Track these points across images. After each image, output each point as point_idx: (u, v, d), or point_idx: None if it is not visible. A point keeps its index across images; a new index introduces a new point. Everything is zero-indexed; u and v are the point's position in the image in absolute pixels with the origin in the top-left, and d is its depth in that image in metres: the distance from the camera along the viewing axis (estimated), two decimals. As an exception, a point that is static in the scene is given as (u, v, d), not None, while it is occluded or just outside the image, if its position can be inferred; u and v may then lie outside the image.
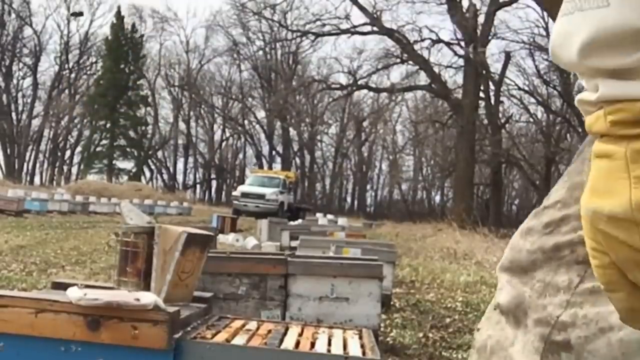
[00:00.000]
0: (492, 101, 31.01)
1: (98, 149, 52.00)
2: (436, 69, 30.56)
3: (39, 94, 50.62)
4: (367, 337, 1.81)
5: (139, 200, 27.62)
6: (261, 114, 52.11)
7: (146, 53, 53.23)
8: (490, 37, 30.08)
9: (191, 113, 53.48)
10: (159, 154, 54.68)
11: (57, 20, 70.38)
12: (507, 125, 35.22)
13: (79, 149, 52.78)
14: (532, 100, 35.78)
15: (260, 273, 3.36)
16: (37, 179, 48.26)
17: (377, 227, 26.82)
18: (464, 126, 28.14)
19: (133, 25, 51.92)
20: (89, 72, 53.39)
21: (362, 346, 1.70)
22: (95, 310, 1.54)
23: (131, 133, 52.22)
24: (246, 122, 53.17)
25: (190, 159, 53.92)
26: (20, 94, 50.63)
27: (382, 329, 4.54)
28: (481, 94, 29.77)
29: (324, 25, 31.66)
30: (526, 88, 34.52)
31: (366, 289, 3.35)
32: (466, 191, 28.79)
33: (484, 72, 29.34)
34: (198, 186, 55.55)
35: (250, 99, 52.49)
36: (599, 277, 0.59)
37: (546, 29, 31.13)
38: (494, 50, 48.50)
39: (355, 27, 30.55)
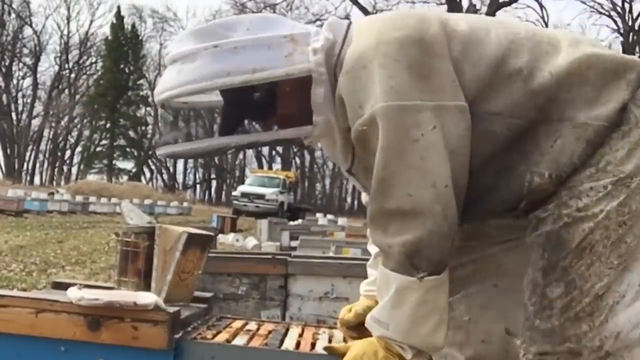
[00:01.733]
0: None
1: (98, 149, 51.99)
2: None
3: (39, 94, 50.67)
4: (368, 337, 1.81)
5: (139, 200, 27.62)
6: (261, 114, 52.05)
7: (146, 53, 53.28)
8: (490, 37, 30.06)
9: (191, 113, 53.39)
10: (159, 153, 54.62)
11: (57, 20, 70.37)
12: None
13: (79, 149, 52.80)
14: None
15: (260, 273, 3.36)
16: (37, 179, 48.29)
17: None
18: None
19: (133, 26, 51.96)
20: (89, 72, 53.44)
21: (363, 346, 1.70)
22: (95, 310, 1.54)
23: (131, 133, 52.21)
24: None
25: (190, 159, 53.91)
26: (20, 94, 50.68)
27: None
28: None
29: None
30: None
31: (366, 289, 3.35)
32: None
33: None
34: (198, 186, 55.58)
35: (250, 99, 52.46)
36: None
37: (546, 29, 31.14)
38: (494, 51, 48.39)
39: (355, 27, 30.53)
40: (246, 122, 1.57)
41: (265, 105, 1.54)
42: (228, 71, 1.46)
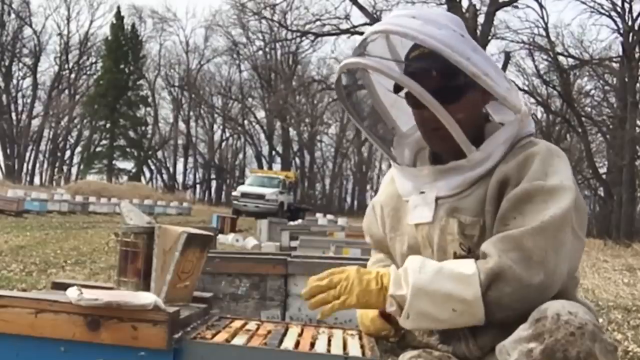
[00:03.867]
0: (492, 101, 30.93)
1: (98, 149, 52.00)
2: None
3: (39, 94, 50.65)
4: (367, 337, 1.81)
5: (139, 200, 27.62)
6: (261, 114, 52.07)
7: (146, 53, 53.28)
8: (490, 37, 30.08)
9: (191, 113, 53.48)
10: (159, 154, 54.67)
11: (57, 20, 70.34)
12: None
13: (79, 149, 52.80)
14: (532, 100, 35.74)
15: (260, 273, 3.36)
16: (37, 179, 48.27)
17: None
18: (464, 126, 28.09)
19: (133, 26, 51.95)
20: (89, 72, 53.43)
21: (362, 346, 1.70)
22: (95, 310, 1.54)
23: (131, 133, 52.22)
24: (246, 122, 53.17)
25: (190, 159, 53.95)
26: (20, 94, 50.65)
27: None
28: (481, 94, 29.68)
29: (323, 25, 31.61)
30: (526, 88, 34.50)
31: (366, 289, 3.34)
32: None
33: (483, 72, 29.31)
34: (198, 186, 55.58)
35: (250, 99, 52.47)
36: None
37: (546, 29, 31.15)
38: (493, 50, 48.43)
39: (355, 27, 30.51)
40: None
41: (454, 91, 1.67)
42: (468, 57, 1.61)
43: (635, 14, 29.05)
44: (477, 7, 29.02)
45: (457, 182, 1.68)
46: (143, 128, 53.31)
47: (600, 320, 5.27)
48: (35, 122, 50.17)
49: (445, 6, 28.81)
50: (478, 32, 28.68)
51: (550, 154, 1.65)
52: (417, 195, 1.75)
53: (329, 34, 32.10)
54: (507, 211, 1.59)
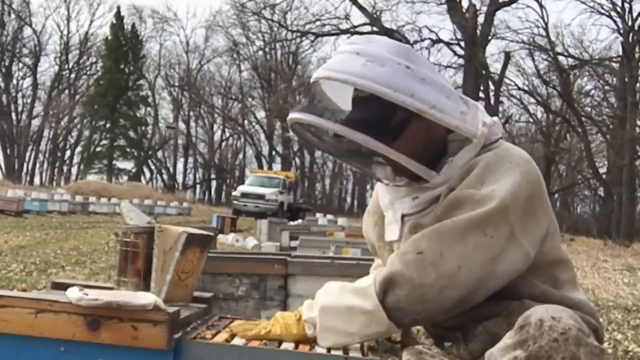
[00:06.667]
0: (492, 101, 30.95)
1: (98, 149, 51.99)
2: (436, 69, 30.39)
3: (38, 94, 50.61)
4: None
5: (139, 200, 27.63)
6: (261, 114, 52.05)
7: (146, 53, 53.27)
8: (490, 37, 30.07)
9: (191, 113, 53.46)
10: (159, 154, 54.67)
11: (57, 20, 70.31)
12: (506, 125, 35.22)
13: (79, 149, 52.77)
14: (532, 100, 35.82)
15: (260, 273, 3.36)
16: (37, 179, 48.25)
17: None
18: (464, 126, 28.03)
19: (133, 26, 51.93)
20: (89, 72, 53.39)
21: (362, 346, 1.70)
22: (95, 310, 1.54)
23: (131, 133, 52.20)
24: (246, 122, 53.15)
25: (190, 159, 53.94)
26: (20, 94, 50.60)
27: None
28: (481, 94, 29.72)
29: (323, 25, 31.61)
30: (526, 88, 34.55)
31: (366, 289, 3.34)
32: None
33: (483, 72, 29.33)
34: (198, 186, 55.57)
35: (250, 99, 52.44)
36: None
37: (546, 29, 31.15)
38: (493, 50, 48.44)
39: (355, 27, 30.50)
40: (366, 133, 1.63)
41: (395, 127, 1.64)
42: (412, 93, 1.57)
43: (635, 14, 29.09)
44: (477, 7, 29.02)
45: (420, 200, 1.71)
46: (143, 128, 53.29)
47: (601, 319, 5.26)
48: (35, 122, 50.20)
49: (445, 6, 28.83)
50: (478, 32, 28.69)
51: (497, 160, 1.62)
52: (392, 210, 1.79)
53: (329, 34, 32.09)
54: (438, 217, 1.62)
